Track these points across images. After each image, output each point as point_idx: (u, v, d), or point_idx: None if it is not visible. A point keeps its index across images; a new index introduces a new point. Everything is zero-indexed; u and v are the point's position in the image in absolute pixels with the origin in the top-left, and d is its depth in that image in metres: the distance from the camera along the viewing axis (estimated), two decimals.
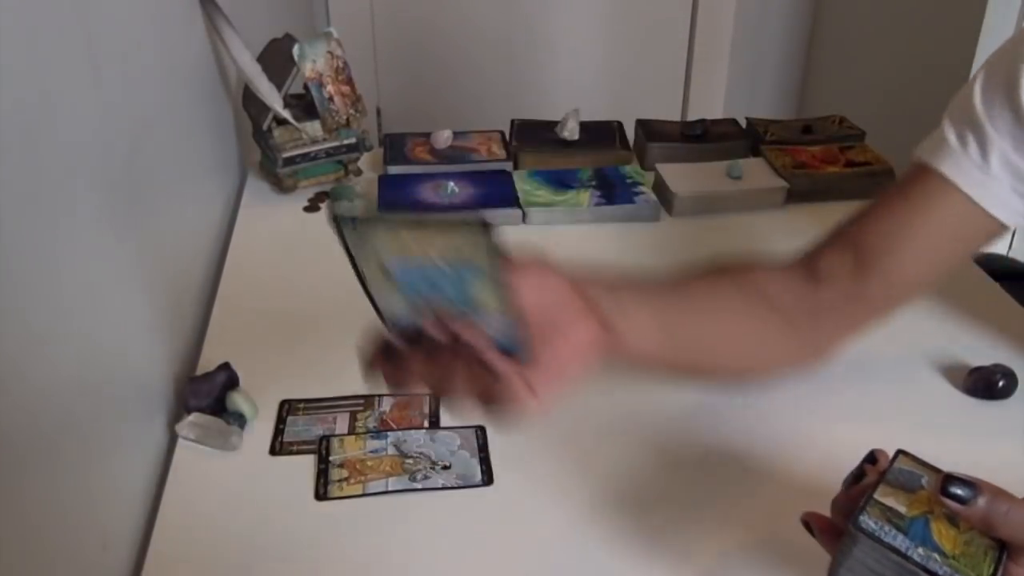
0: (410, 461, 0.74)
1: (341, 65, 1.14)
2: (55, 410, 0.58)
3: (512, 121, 1.30)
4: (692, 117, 1.88)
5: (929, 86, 1.82)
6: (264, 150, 1.17)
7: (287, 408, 0.80)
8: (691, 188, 1.14)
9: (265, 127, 1.13)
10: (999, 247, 1.91)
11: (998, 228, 0.72)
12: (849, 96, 2.28)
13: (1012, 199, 0.70)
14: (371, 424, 0.78)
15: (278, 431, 0.78)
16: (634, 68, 2.50)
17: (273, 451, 0.76)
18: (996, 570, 0.49)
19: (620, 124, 1.30)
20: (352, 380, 0.58)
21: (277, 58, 1.14)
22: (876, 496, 0.52)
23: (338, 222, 0.49)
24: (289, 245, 1.06)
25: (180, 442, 0.76)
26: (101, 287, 0.67)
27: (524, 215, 1.11)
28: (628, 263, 1.05)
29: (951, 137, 0.71)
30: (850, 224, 0.76)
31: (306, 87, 1.13)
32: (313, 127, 1.14)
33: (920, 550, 0.49)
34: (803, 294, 0.74)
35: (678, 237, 1.10)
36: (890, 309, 0.76)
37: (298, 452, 0.75)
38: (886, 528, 0.50)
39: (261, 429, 0.78)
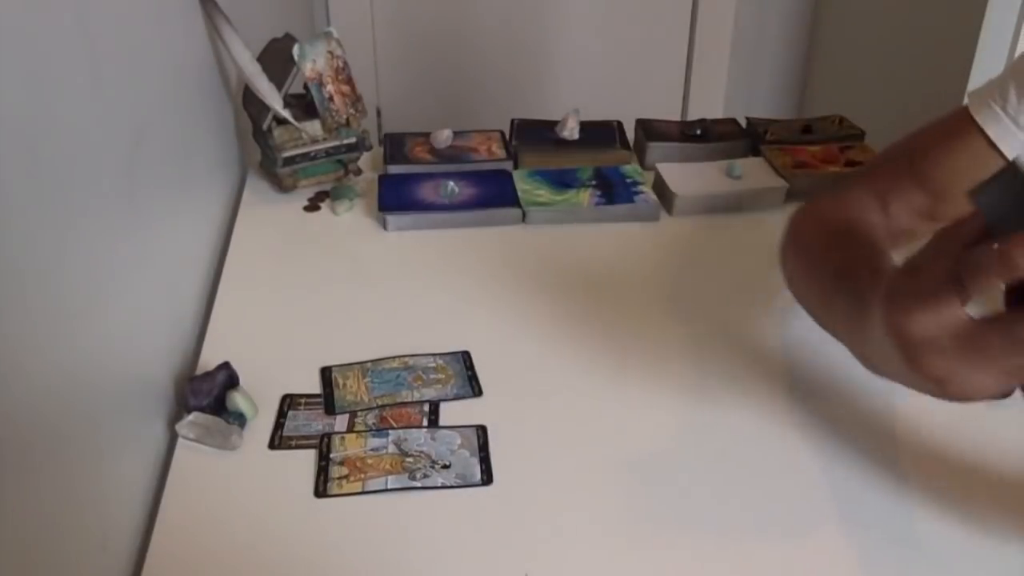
0: (410, 460, 0.74)
1: (341, 65, 1.14)
2: (55, 410, 0.58)
3: (512, 121, 1.30)
4: (692, 117, 1.88)
5: (929, 86, 1.83)
6: (264, 150, 1.17)
7: (288, 402, 0.80)
8: (691, 188, 1.14)
9: (265, 127, 1.13)
10: None
11: None
12: (849, 96, 2.28)
13: None
14: (370, 421, 0.78)
15: (278, 425, 0.78)
16: (634, 68, 2.50)
17: (272, 445, 0.76)
18: None
19: (620, 124, 1.30)
20: None
21: (277, 58, 1.14)
22: None
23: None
24: (289, 245, 1.06)
25: (180, 442, 0.76)
26: (101, 287, 0.67)
27: (524, 215, 1.11)
28: (628, 263, 1.05)
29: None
30: (919, 159, 0.77)
31: (306, 87, 1.13)
32: (313, 127, 1.14)
33: None
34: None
35: (678, 237, 1.10)
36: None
37: (296, 447, 0.76)
38: None
39: (261, 425, 0.78)
